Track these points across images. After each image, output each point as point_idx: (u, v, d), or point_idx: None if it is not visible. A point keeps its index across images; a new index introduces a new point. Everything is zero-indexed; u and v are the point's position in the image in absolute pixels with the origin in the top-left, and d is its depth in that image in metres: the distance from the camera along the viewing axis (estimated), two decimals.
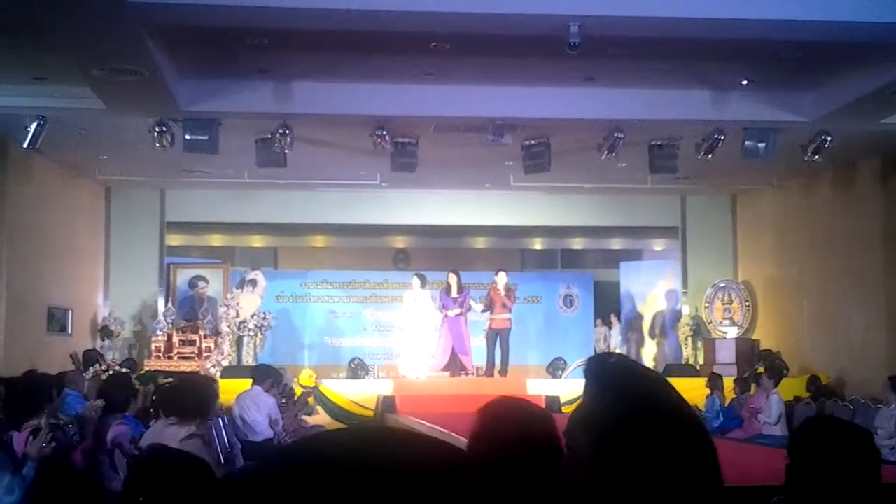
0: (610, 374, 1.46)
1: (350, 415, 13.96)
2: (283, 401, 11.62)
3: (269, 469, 0.82)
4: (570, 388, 14.46)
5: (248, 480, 0.83)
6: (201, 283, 17.25)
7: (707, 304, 17.30)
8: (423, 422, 11.17)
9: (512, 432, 2.33)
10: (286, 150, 11.93)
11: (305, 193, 16.66)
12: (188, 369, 14.56)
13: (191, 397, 5.57)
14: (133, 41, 8.78)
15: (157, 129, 11.40)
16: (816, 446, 2.74)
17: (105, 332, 16.01)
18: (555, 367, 17.81)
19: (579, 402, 1.53)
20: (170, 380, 11.67)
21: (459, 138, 12.64)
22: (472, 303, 15.53)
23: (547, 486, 2.32)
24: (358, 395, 14.52)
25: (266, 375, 10.46)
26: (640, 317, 18.71)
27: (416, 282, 15.80)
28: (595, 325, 19.20)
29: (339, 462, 0.79)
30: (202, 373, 13.76)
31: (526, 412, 2.46)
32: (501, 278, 15.53)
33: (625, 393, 1.40)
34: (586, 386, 1.50)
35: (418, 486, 0.79)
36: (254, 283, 16.87)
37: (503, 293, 15.42)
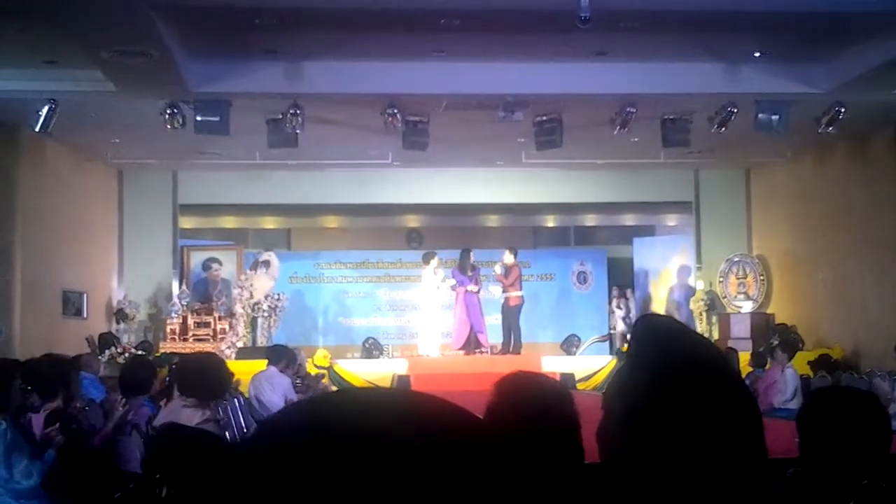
0: (650, 335, 1.37)
1: None
2: (299, 381, 11.65)
3: (288, 430, 0.80)
4: (584, 365, 14.47)
5: (260, 448, 0.81)
6: (215, 266, 17.28)
7: (721, 279, 17.24)
8: None
9: (528, 405, 2.32)
10: (297, 131, 11.92)
11: (317, 174, 16.65)
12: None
13: (205, 376, 5.57)
14: (142, 23, 8.77)
15: (167, 111, 11.41)
16: (824, 416, 2.73)
17: (120, 315, 16.07)
18: (569, 344, 17.80)
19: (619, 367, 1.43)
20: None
21: (470, 115, 12.60)
22: (490, 288, 15.64)
23: (563, 459, 2.31)
24: (373, 374, 14.55)
25: (281, 356, 10.48)
26: (654, 293, 18.67)
27: (434, 262, 15.83)
28: (609, 302, 19.19)
29: (360, 425, 0.78)
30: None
31: (543, 386, 2.45)
32: (505, 258, 15.60)
33: (661, 354, 1.31)
34: (628, 349, 1.40)
35: (435, 454, 0.77)
36: (267, 264, 16.89)
37: (498, 273, 15.52)
